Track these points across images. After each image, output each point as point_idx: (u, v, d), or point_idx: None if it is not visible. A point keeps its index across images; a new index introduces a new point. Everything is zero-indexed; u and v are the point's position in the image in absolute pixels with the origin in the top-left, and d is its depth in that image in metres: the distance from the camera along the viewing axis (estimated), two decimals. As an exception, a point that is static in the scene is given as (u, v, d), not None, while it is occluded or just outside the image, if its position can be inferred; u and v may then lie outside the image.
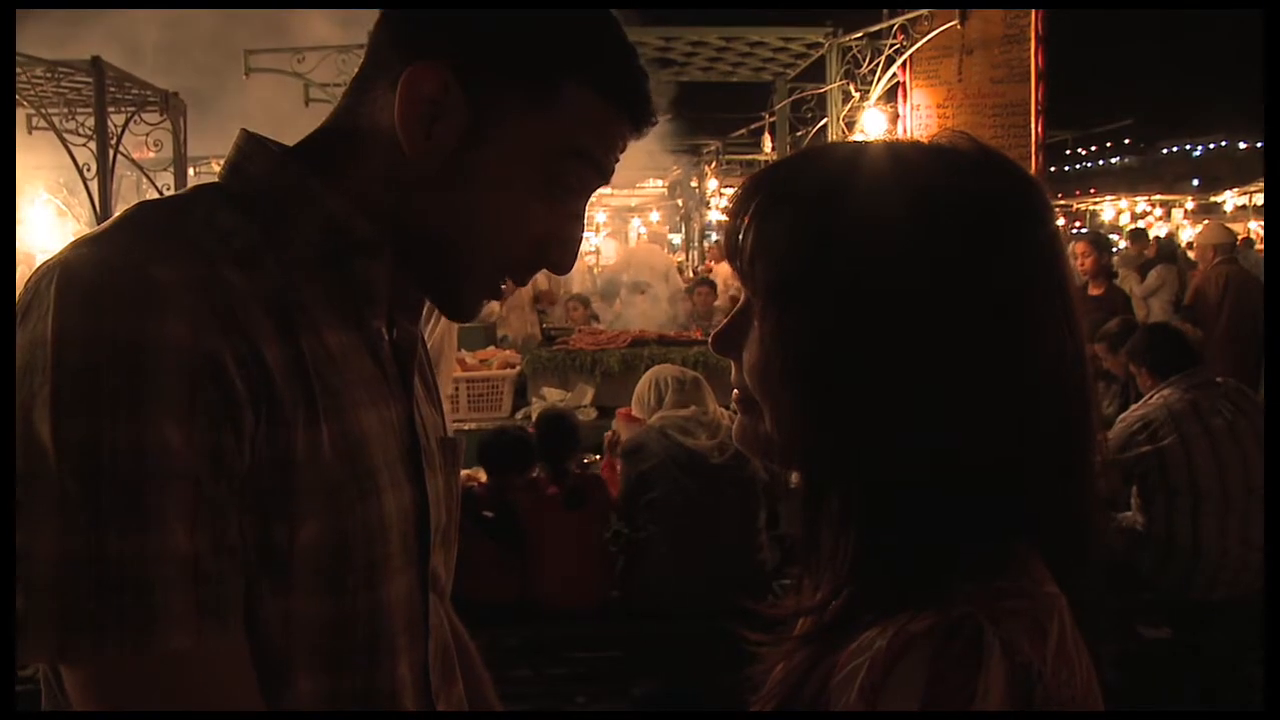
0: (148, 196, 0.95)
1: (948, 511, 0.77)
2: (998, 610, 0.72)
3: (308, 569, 0.86)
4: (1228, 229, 9.10)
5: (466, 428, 5.11)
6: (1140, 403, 4.14)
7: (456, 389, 5.35)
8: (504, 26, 0.92)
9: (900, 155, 0.84)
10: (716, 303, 8.74)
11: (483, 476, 4.03)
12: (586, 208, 1.02)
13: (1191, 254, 9.97)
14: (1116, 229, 24.67)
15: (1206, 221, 12.12)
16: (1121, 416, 4.16)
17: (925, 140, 0.86)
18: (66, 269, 0.80)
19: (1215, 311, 7.53)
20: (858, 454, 0.80)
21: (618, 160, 1.00)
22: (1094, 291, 6.87)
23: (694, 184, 14.88)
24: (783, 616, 0.88)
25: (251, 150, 0.95)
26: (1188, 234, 23.49)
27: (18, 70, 6.57)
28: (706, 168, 14.25)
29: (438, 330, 4.59)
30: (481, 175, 0.92)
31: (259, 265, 0.87)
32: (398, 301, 1.00)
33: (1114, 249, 8.29)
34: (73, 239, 0.86)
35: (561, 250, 0.99)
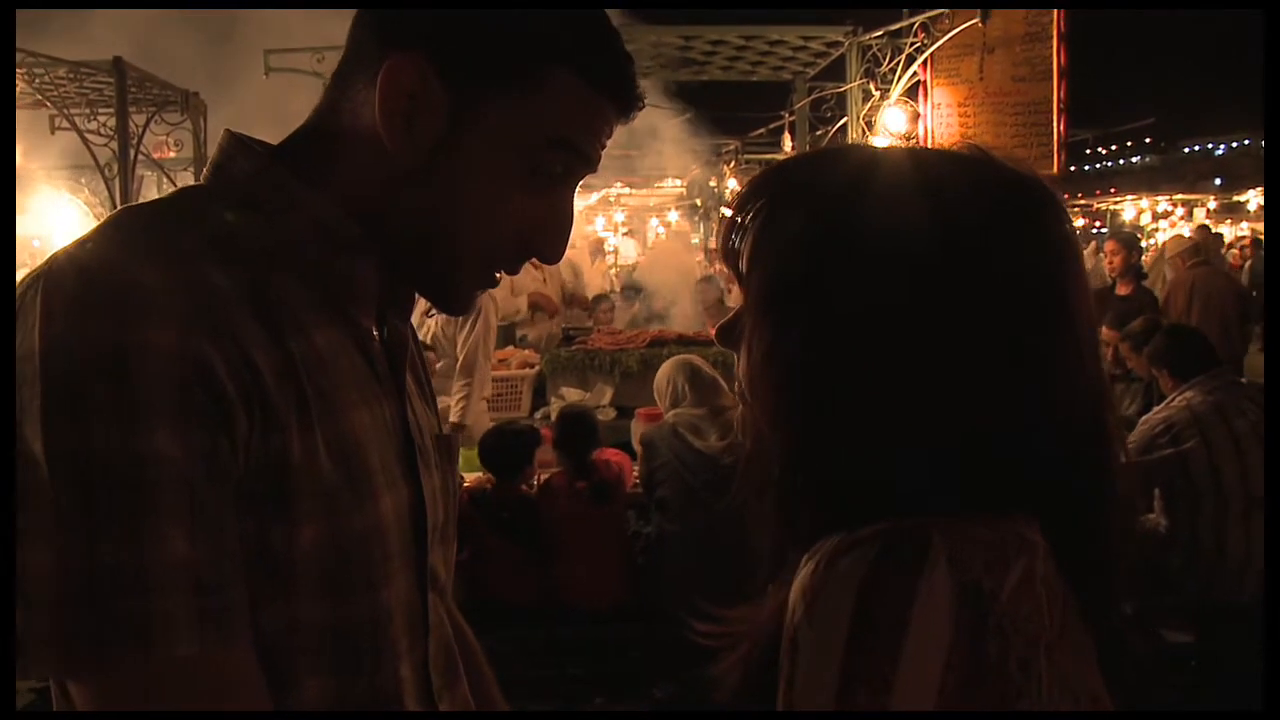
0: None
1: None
2: (955, 532, 0.71)
3: (308, 572, 0.85)
4: (1189, 237, 9.32)
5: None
6: (1163, 405, 4.12)
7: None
8: (482, 15, 0.91)
9: (897, 168, 0.83)
10: (717, 299, 8.68)
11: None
12: (576, 196, 1.01)
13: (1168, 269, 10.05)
14: (1138, 228, 24.52)
15: (1173, 235, 12.11)
16: (1144, 419, 4.13)
17: (930, 148, 0.86)
18: (50, 279, 0.79)
19: (1185, 311, 7.57)
20: (836, 465, 0.80)
21: (604, 147, 0.98)
22: (1122, 291, 6.83)
23: (712, 184, 14.84)
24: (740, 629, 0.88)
25: (234, 151, 0.94)
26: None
27: (41, 71, 6.62)
28: (725, 167, 14.20)
29: (473, 337, 4.67)
30: (465, 167, 0.92)
31: (244, 266, 0.86)
32: (387, 300, 1.00)
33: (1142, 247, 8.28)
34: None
35: (549, 240, 0.98)
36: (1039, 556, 0.73)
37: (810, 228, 0.81)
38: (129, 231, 0.86)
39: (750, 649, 0.83)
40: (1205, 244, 11.05)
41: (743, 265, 0.85)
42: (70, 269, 0.79)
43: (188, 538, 0.76)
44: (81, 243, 0.84)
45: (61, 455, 0.73)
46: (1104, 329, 5.72)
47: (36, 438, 0.74)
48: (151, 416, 0.75)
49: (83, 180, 11.45)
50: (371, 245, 0.94)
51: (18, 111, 7.62)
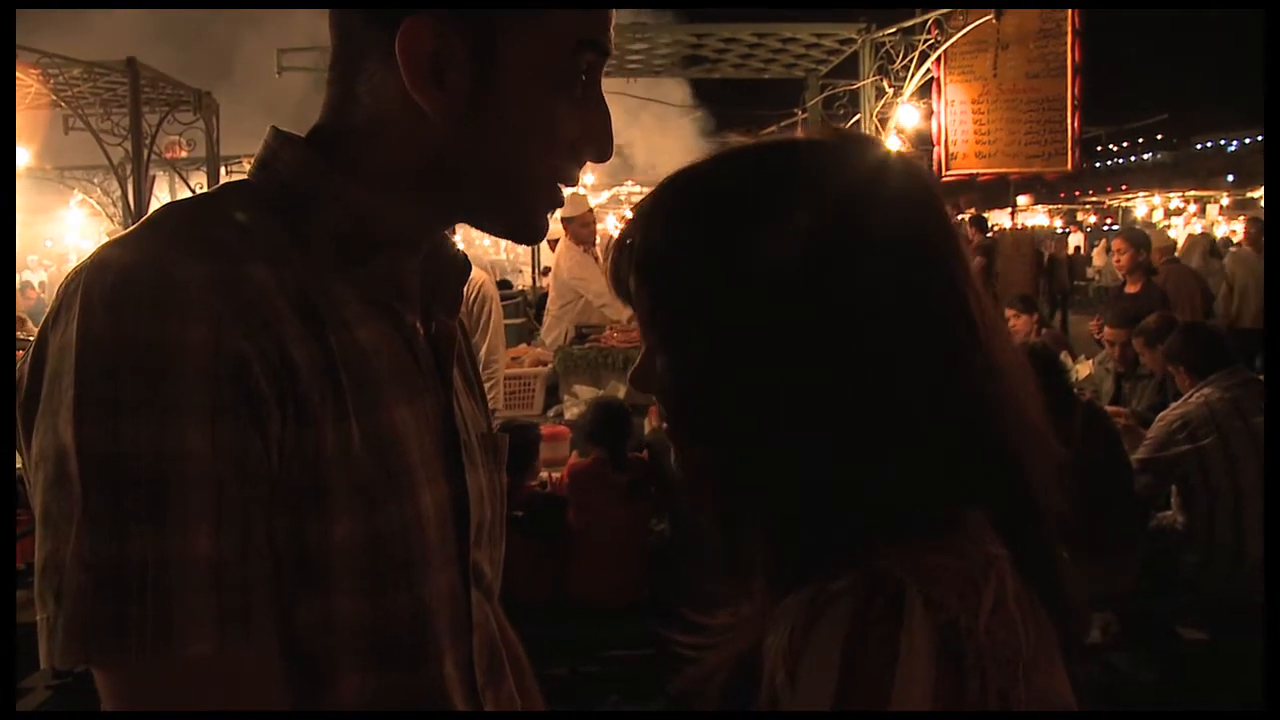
0: (180, 195, 0.96)
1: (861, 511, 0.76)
2: (921, 567, 0.70)
3: (345, 568, 0.84)
4: (1164, 234, 9.49)
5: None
6: (1180, 401, 4.10)
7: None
8: None
9: (786, 175, 0.83)
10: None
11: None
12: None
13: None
14: (1150, 225, 24.48)
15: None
16: (1160, 416, 4.12)
17: (812, 142, 0.86)
18: (91, 273, 0.79)
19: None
20: (743, 466, 0.81)
21: (613, 30, 0.98)
22: (1131, 289, 6.82)
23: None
24: (719, 626, 0.88)
25: (279, 147, 0.94)
26: (1223, 229, 23.30)
27: (56, 72, 6.65)
28: (736, 165, 14.18)
29: (492, 327, 4.76)
30: (505, 101, 0.91)
31: (286, 262, 0.86)
32: (433, 294, 1.00)
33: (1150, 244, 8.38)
34: (105, 238, 0.85)
35: (599, 142, 0.97)
36: (1006, 571, 0.73)
37: (710, 240, 0.81)
38: (170, 227, 0.86)
39: (721, 673, 0.83)
40: (1256, 237, 11.05)
41: (632, 285, 0.86)
42: (111, 264, 0.80)
43: (213, 535, 0.76)
44: (124, 238, 0.84)
45: (91, 448, 0.74)
46: (1108, 328, 5.73)
47: (68, 429, 0.74)
48: (183, 413, 0.75)
49: (95, 180, 11.54)
50: (414, 238, 0.95)
51: (33, 112, 7.66)
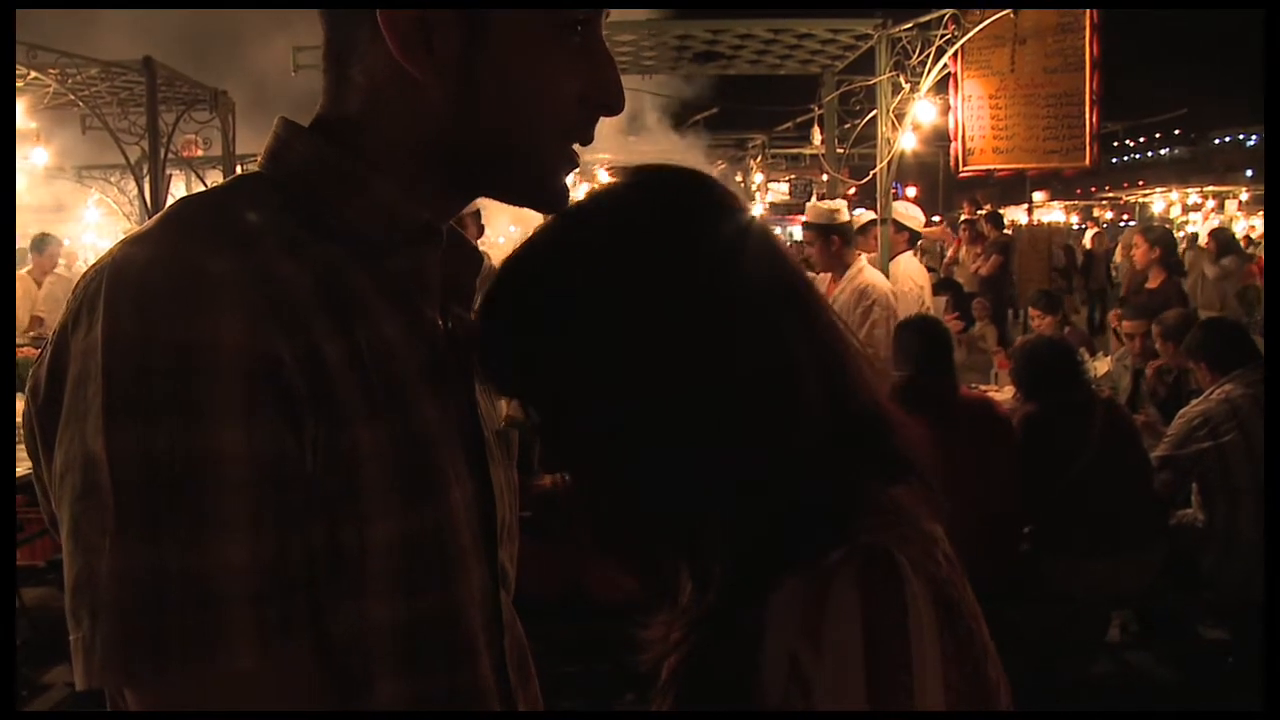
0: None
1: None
2: (895, 537, 0.78)
3: (380, 570, 0.81)
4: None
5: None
6: (1201, 398, 4.07)
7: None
8: None
9: (541, 254, 0.90)
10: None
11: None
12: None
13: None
14: (1167, 221, 24.35)
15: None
16: (1181, 413, 4.09)
17: (585, 206, 0.93)
18: (114, 271, 0.76)
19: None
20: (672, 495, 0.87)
21: None
22: (1151, 284, 6.79)
23: (738, 179, 14.79)
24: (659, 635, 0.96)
25: (289, 137, 0.91)
26: (1241, 225, 23.14)
27: (74, 71, 6.68)
28: (752, 162, 14.18)
29: None
30: (497, 59, 0.87)
31: (309, 256, 0.83)
32: (451, 289, 0.97)
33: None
34: (122, 237, 0.83)
35: (606, 88, 0.93)
36: (944, 542, 0.83)
37: (515, 335, 0.89)
38: (190, 221, 0.82)
39: (692, 659, 0.89)
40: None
41: (505, 389, 0.93)
42: (134, 261, 0.76)
43: (251, 542, 0.73)
44: (143, 234, 0.81)
45: (123, 455, 0.71)
46: (1127, 321, 5.70)
47: (98, 436, 0.71)
48: (216, 416, 0.72)
49: (113, 179, 11.61)
50: (436, 231, 0.91)
51: (50, 111, 7.70)
